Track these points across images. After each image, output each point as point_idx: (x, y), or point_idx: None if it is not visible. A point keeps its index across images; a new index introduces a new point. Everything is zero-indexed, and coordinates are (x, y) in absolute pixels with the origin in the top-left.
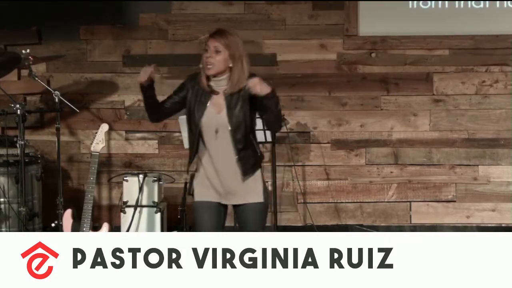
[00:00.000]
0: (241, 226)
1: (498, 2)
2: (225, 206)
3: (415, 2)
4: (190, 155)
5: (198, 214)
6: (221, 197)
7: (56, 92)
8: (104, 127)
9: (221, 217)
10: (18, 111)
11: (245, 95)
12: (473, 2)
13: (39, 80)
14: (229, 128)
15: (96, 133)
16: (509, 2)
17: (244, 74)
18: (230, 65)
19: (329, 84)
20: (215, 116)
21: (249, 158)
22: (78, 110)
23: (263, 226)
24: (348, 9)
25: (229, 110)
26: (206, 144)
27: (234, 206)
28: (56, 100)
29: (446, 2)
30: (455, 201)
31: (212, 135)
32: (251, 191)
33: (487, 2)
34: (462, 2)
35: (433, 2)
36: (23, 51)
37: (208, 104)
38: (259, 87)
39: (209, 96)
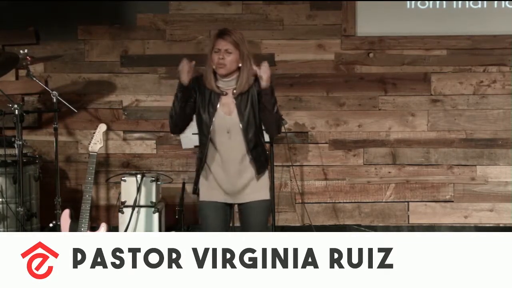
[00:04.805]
0: (246, 224)
1: (495, 2)
2: (231, 206)
3: (412, 2)
4: (201, 156)
5: (205, 214)
6: (228, 197)
7: (54, 92)
8: (102, 127)
9: (227, 217)
10: (16, 111)
11: (253, 94)
12: (470, 2)
13: (37, 80)
14: (241, 128)
15: (94, 133)
16: (506, 2)
17: (251, 72)
18: (240, 64)
19: (327, 84)
20: (226, 117)
21: (260, 156)
22: (76, 110)
23: (266, 224)
24: (346, 9)
25: (240, 110)
26: (217, 145)
27: (239, 204)
28: (54, 100)
29: (444, 2)
30: (453, 201)
31: (224, 136)
32: (260, 189)
33: (484, 2)
34: (459, 2)
35: (430, 2)
36: (21, 51)
37: (218, 106)
38: (265, 75)
39: (217, 97)
